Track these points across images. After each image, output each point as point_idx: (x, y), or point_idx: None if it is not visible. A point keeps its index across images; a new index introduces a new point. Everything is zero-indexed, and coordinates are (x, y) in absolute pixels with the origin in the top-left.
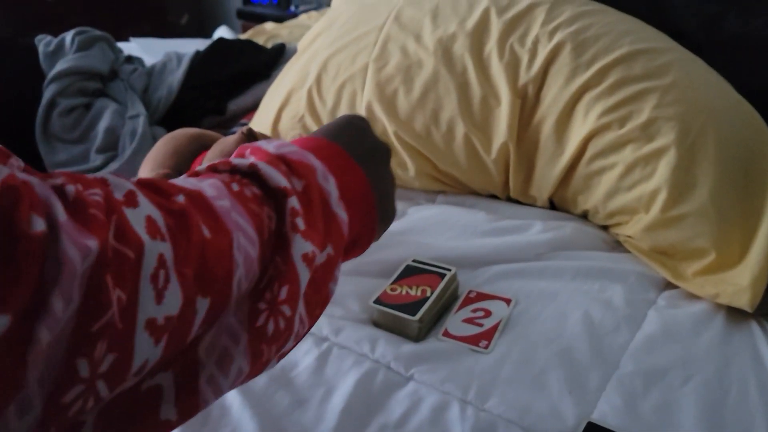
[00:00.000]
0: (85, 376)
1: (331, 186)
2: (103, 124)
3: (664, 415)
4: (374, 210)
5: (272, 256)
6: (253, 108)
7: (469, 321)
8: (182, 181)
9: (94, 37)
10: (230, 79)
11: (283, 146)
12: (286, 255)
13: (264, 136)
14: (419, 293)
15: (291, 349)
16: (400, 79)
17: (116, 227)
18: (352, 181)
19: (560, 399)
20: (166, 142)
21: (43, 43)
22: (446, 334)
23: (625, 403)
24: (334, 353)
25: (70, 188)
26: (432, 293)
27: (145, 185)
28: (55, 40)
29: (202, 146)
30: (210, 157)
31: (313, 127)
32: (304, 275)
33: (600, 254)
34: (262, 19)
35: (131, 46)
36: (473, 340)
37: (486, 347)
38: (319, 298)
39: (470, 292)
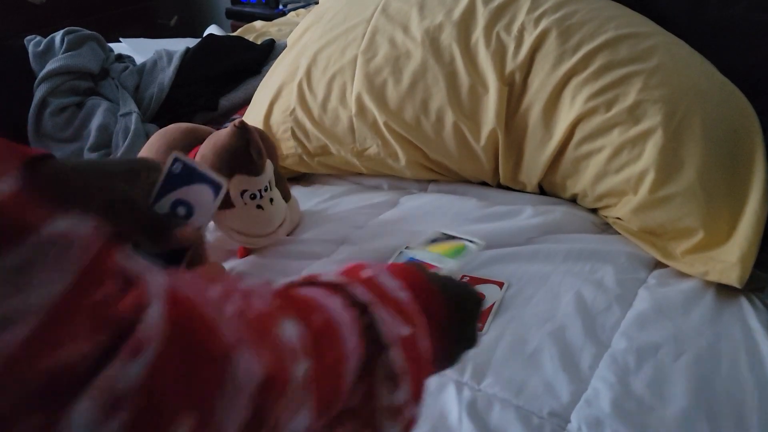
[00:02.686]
0: None
1: (425, 345)
2: (95, 123)
3: (657, 390)
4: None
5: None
6: (245, 103)
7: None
8: (318, 294)
9: (84, 37)
10: (221, 76)
11: (399, 289)
12: (372, 405)
13: (257, 130)
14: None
15: None
16: (389, 70)
17: (275, 346)
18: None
19: (554, 377)
20: (159, 138)
21: (33, 43)
22: None
23: (618, 380)
24: None
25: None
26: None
27: (286, 298)
28: (45, 40)
29: (195, 141)
30: (203, 152)
31: (305, 120)
32: (389, 428)
33: (590, 236)
34: (251, 18)
35: (121, 46)
36: None
37: (480, 330)
38: None
39: (462, 276)
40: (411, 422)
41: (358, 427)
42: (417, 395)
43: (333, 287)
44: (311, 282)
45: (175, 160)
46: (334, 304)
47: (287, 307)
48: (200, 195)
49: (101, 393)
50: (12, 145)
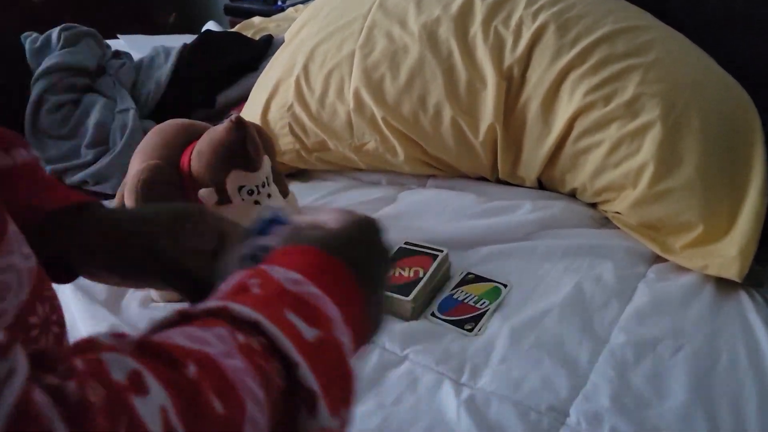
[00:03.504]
0: None
1: (346, 339)
2: (92, 120)
3: (656, 384)
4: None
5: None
6: (243, 99)
7: (461, 303)
8: (187, 335)
9: (81, 33)
10: (219, 72)
11: (298, 283)
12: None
13: (254, 126)
14: (412, 274)
15: None
16: (387, 65)
17: (129, 429)
18: (363, 326)
19: (553, 372)
20: (156, 134)
21: (30, 40)
22: (437, 314)
23: (617, 374)
24: None
25: (71, 387)
26: (424, 274)
27: (149, 354)
28: (42, 37)
29: (191, 137)
30: (199, 148)
31: (302, 116)
32: None
33: (589, 231)
34: (249, 14)
35: (119, 43)
36: (461, 323)
37: (471, 330)
38: None
39: (468, 274)
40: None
41: None
42: (339, 406)
43: (212, 315)
44: (185, 317)
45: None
46: (217, 339)
47: (149, 367)
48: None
49: None
50: (58, 187)
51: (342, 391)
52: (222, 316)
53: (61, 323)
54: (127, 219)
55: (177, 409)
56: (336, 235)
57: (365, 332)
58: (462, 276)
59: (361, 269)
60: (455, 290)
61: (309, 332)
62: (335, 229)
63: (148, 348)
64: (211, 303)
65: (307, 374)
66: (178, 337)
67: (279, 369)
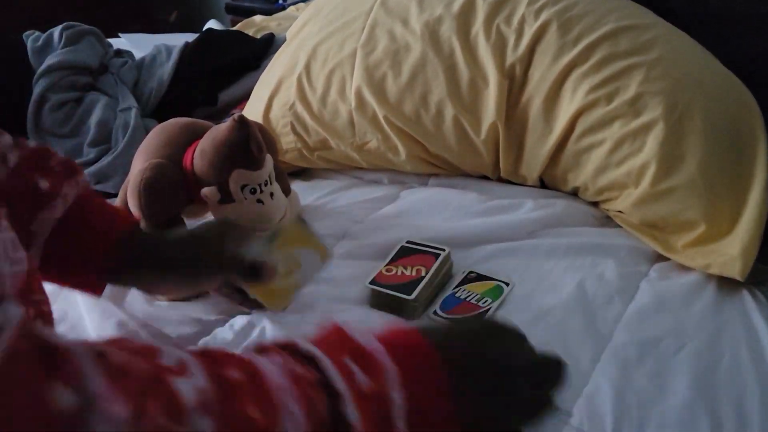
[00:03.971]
0: None
1: (397, 396)
2: (94, 118)
3: (658, 382)
4: None
5: None
6: (245, 98)
7: (463, 301)
8: (245, 352)
9: (83, 32)
10: (220, 70)
11: (370, 341)
12: None
13: (257, 125)
14: (414, 273)
15: None
16: (389, 64)
17: (166, 402)
18: (429, 399)
19: None
20: (158, 133)
21: (31, 38)
22: (439, 313)
23: (619, 373)
24: None
25: (115, 355)
26: (427, 273)
27: (202, 354)
28: (43, 36)
29: (194, 135)
30: (202, 147)
31: (304, 115)
32: None
33: (591, 230)
34: (250, 13)
35: (120, 42)
36: None
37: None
38: None
39: (470, 272)
40: None
41: None
42: None
43: (279, 348)
44: (256, 349)
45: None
46: (268, 364)
47: (198, 359)
48: (309, 257)
49: None
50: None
51: None
52: (287, 350)
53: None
54: (173, 241)
55: (214, 396)
56: (449, 326)
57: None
58: (464, 275)
59: (458, 364)
60: (457, 289)
61: (361, 377)
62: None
63: (202, 352)
64: (281, 339)
65: (350, 408)
66: (238, 354)
67: (326, 402)
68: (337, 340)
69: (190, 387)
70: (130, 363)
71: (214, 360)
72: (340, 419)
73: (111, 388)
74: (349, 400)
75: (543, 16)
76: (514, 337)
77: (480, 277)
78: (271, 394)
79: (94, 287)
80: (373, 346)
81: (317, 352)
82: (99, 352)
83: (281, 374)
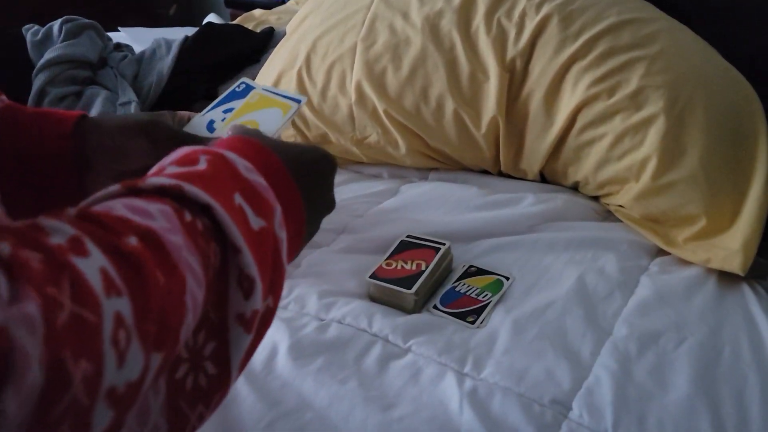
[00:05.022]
0: None
1: (283, 234)
2: (94, 112)
3: (659, 376)
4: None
5: (208, 304)
6: None
7: (463, 296)
8: (129, 206)
9: (82, 25)
10: (220, 64)
11: (250, 171)
12: (224, 312)
13: None
14: (414, 267)
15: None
16: (389, 58)
17: (71, 285)
18: (298, 228)
19: (555, 365)
20: None
21: (31, 32)
22: (439, 307)
23: (619, 367)
24: (332, 327)
25: (4, 248)
26: (427, 267)
27: (89, 220)
28: (43, 29)
29: None
30: None
31: (304, 108)
32: (237, 335)
33: (592, 224)
34: (250, 6)
35: (120, 36)
36: (463, 315)
37: (473, 322)
38: (252, 349)
39: (470, 267)
40: (267, 318)
41: (203, 340)
42: (272, 294)
43: (159, 192)
44: (132, 190)
45: (242, 82)
46: (159, 216)
47: (89, 233)
48: (267, 115)
49: None
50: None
51: (273, 280)
52: (171, 194)
53: None
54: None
55: (118, 272)
56: (284, 144)
57: (297, 241)
58: (464, 269)
59: (302, 182)
60: (457, 283)
61: (255, 221)
62: (287, 142)
63: (88, 217)
64: (164, 180)
65: (249, 262)
66: (121, 208)
67: (217, 251)
68: (228, 176)
69: (93, 269)
70: (21, 254)
71: (105, 229)
72: (233, 269)
73: (15, 287)
74: (247, 253)
75: (544, 10)
76: (325, 156)
77: (480, 272)
78: (172, 255)
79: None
80: (259, 181)
81: (209, 200)
82: None
83: (176, 230)
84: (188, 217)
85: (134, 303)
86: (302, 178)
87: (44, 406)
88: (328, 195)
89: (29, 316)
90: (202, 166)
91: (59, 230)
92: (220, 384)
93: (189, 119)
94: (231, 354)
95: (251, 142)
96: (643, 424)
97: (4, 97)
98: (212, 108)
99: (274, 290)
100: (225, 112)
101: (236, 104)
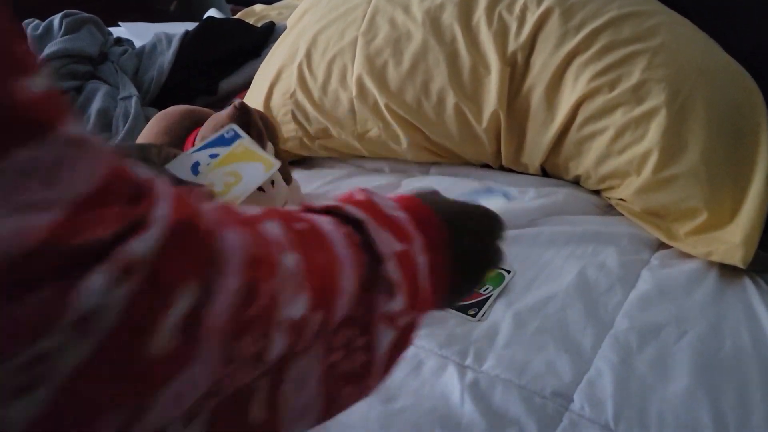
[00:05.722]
0: (231, 362)
1: (422, 259)
2: (95, 107)
3: (659, 369)
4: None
5: (360, 304)
6: (245, 87)
7: None
8: (299, 213)
9: (82, 20)
10: (221, 59)
11: (394, 209)
12: (371, 313)
13: (258, 112)
14: None
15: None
16: (390, 52)
17: (259, 235)
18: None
19: (556, 358)
20: (159, 121)
21: (31, 26)
22: None
23: (620, 360)
24: None
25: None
26: None
27: (271, 212)
28: (43, 24)
29: (194, 123)
30: (203, 134)
31: (305, 103)
32: (382, 331)
33: (593, 218)
34: (250, 1)
35: (120, 31)
36: (464, 308)
37: (474, 315)
38: (393, 360)
39: None
40: (410, 328)
41: (355, 334)
42: (414, 305)
43: (325, 210)
44: (304, 209)
45: (230, 129)
46: (323, 220)
47: (269, 214)
48: (251, 169)
49: (113, 265)
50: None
51: (413, 296)
52: (334, 213)
53: None
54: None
55: (290, 239)
56: (445, 200)
57: (443, 290)
58: None
59: (457, 236)
60: None
61: (396, 244)
62: (449, 199)
63: (265, 210)
64: (329, 202)
65: (393, 269)
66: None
67: (367, 260)
68: (370, 208)
69: (273, 228)
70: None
71: (280, 215)
72: (378, 280)
73: (228, 222)
74: (391, 260)
75: (545, 4)
76: (487, 211)
77: None
78: (330, 243)
79: None
80: (400, 215)
81: (363, 215)
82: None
83: (335, 230)
84: (345, 228)
85: (302, 261)
86: (455, 221)
87: (238, 306)
88: (487, 247)
89: (235, 246)
90: (357, 197)
91: (246, 209)
92: (369, 371)
93: (174, 156)
94: (376, 347)
95: (408, 198)
96: (644, 416)
97: None
98: (199, 149)
99: (416, 306)
100: (211, 156)
101: (222, 151)
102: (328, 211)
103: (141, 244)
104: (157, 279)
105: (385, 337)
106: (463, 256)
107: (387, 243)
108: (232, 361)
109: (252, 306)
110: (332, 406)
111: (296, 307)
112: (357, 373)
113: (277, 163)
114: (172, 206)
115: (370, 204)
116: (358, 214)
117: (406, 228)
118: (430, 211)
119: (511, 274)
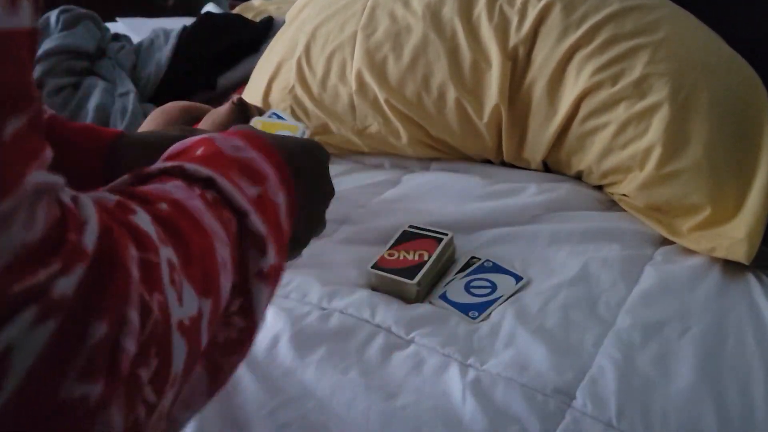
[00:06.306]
0: (143, 382)
1: (279, 199)
2: (92, 103)
3: (662, 366)
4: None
5: (236, 271)
6: (244, 82)
7: (469, 289)
8: (146, 186)
9: (79, 15)
10: (219, 54)
11: (239, 149)
12: (245, 272)
13: (256, 108)
14: (417, 258)
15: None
16: (390, 46)
17: (134, 236)
18: (292, 201)
19: (558, 355)
20: (157, 117)
21: None
22: (443, 298)
23: (623, 357)
24: (334, 317)
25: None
26: (429, 257)
27: (126, 194)
28: (40, 20)
29: (192, 119)
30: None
31: (304, 98)
32: (259, 290)
33: (595, 214)
34: None
35: (117, 26)
36: (465, 309)
37: (475, 317)
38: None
39: (486, 261)
40: (278, 275)
41: (234, 295)
42: (280, 251)
43: (167, 173)
44: (140, 177)
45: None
46: (175, 188)
47: (129, 200)
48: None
49: (40, 305)
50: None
51: (279, 241)
52: (175, 174)
53: None
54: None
55: (160, 228)
56: (276, 135)
57: (291, 227)
58: (479, 263)
59: (294, 160)
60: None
61: (251, 189)
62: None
63: (118, 192)
64: (165, 163)
65: (256, 221)
66: (141, 188)
67: (230, 217)
68: (220, 157)
69: (146, 222)
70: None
71: (138, 198)
72: (246, 233)
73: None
74: (253, 214)
75: None
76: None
77: (495, 269)
78: (197, 218)
79: None
80: (252, 155)
81: (210, 173)
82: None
83: (194, 197)
84: (198, 189)
85: (178, 252)
86: (294, 157)
87: (138, 332)
88: (323, 179)
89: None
90: (198, 152)
91: (105, 198)
92: (249, 334)
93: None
94: (255, 307)
95: (246, 133)
96: (647, 413)
97: (47, 108)
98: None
99: (281, 251)
100: None
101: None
102: (170, 171)
103: (66, 283)
104: (75, 316)
105: (262, 294)
106: (305, 191)
107: (244, 193)
108: (141, 391)
109: (147, 322)
110: (218, 379)
111: (186, 306)
112: (237, 340)
113: (302, 125)
114: (97, 230)
115: (216, 154)
116: (205, 171)
117: (259, 167)
118: (272, 146)
119: (522, 281)
